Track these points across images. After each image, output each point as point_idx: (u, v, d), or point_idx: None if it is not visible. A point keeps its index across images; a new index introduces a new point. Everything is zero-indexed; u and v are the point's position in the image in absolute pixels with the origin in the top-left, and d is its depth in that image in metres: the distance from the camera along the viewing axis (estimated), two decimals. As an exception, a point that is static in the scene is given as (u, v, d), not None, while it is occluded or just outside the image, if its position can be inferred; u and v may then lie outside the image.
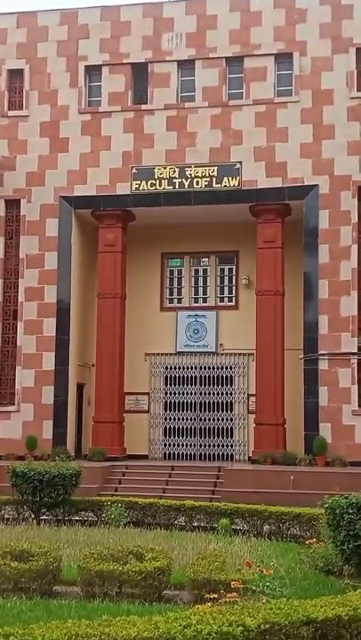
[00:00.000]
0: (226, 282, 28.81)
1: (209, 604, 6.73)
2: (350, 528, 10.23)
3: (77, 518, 17.40)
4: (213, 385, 27.94)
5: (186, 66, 27.25)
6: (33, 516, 17.51)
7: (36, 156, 27.44)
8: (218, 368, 28.01)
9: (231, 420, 27.75)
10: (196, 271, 29.06)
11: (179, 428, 27.98)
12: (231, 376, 27.94)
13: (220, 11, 26.99)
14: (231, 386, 27.89)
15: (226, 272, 28.81)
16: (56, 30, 27.89)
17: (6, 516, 17.54)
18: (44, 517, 17.45)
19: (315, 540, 12.34)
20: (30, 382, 26.68)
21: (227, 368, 27.99)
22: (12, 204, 27.63)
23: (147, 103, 27.23)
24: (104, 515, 16.82)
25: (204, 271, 28.97)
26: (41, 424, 26.33)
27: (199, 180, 26.27)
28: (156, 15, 27.42)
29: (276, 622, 5.53)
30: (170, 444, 27.91)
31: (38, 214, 27.28)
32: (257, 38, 26.65)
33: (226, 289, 28.80)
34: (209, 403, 27.87)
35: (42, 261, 27.16)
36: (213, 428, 27.75)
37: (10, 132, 27.69)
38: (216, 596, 7.50)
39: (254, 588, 8.16)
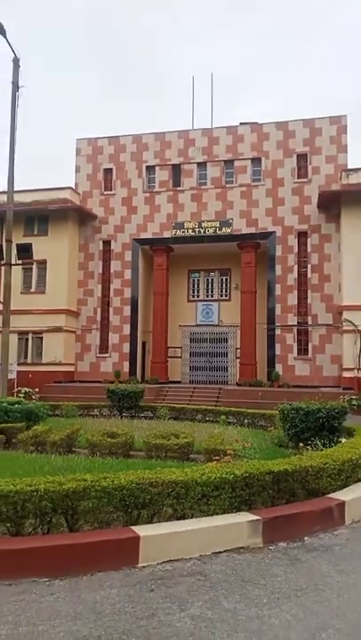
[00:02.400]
0: (223, 286, 28.66)
1: (215, 462, 6.78)
2: (292, 421, 10.23)
3: (142, 415, 17.59)
4: (216, 342, 27.88)
5: (201, 165, 26.98)
6: (118, 413, 17.77)
7: (119, 217, 27.43)
8: (219, 333, 27.94)
9: (227, 362, 27.68)
10: (207, 280, 28.91)
11: (197, 366, 27.96)
12: (227, 338, 27.85)
13: (221, 134, 26.70)
14: (227, 343, 27.81)
15: (223, 280, 28.65)
16: (130, 146, 27.76)
17: (104, 414, 17.85)
18: (125, 414, 17.69)
19: (273, 427, 12.39)
20: (117, 341, 26.86)
21: (224, 333, 27.89)
22: (107, 243, 27.65)
23: (180, 186, 27.02)
24: (157, 413, 17.01)
25: (211, 280, 28.83)
26: (122, 364, 26.53)
27: (209, 229, 26.12)
28: (185, 137, 27.17)
29: (251, 472, 5.58)
30: (193, 375, 27.90)
31: (121, 248, 27.32)
32: (241, 149, 26.36)
33: (223, 290, 28.64)
34: (214, 352, 27.81)
35: (123, 274, 27.22)
36: (217, 366, 27.71)
37: (105, 203, 27.68)
38: (218, 458, 7.54)
39: (240, 454, 8.20)
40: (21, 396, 20.42)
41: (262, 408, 16.62)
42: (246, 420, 15.38)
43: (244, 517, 5.15)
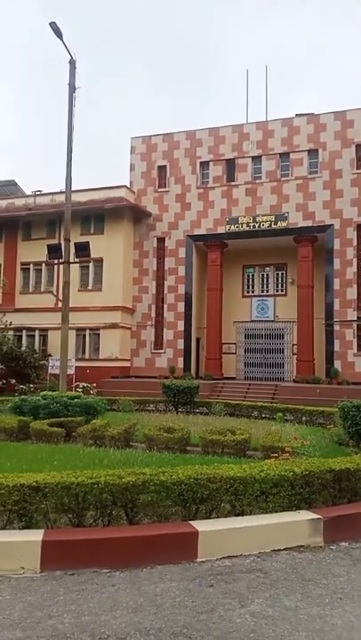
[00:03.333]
0: (279, 281, 28.21)
1: (273, 459, 6.70)
2: (353, 419, 9.99)
3: (198, 411, 17.60)
4: (273, 338, 27.48)
5: (256, 159, 26.64)
6: (174, 409, 17.85)
7: (173, 213, 27.56)
8: (275, 329, 27.53)
9: (283, 358, 27.24)
10: (262, 275, 28.55)
11: (252, 362, 27.69)
12: (283, 334, 27.42)
13: (276, 127, 26.27)
14: (283, 339, 27.39)
15: (279, 275, 28.19)
16: (183, 142, 27.82)
17: (160, 409, 17.97)
18: (180, 410, 17.74)
19: (332, 425, 12.13)
20: (171, 337, 27.06)
21: (280, 329, 27.47)
22: (161, 240, 27.88)
23: (234, 181, 26.80)
24: (212, 409, 16.99)
25: (267, 275, 28.45)
26: (177, 359, 26.70)
27: (264, 223, 25.80)
28: (239, 131, 26.93)
29: (311, 470, 5.49)
30: (248, 372, 27.66)
31: (175, 245, 27.46)
32: (297, 141, 25.82)
33: (279, 285, 28.19)
34: (270, 349, 27.44)
35: (177, 271, 27.35)
36: (273, 362, 27.32)
37: (159, 200, 27.89)
38: (277, 455, 7.46)
39: (298, 451, 8.08)
40: (80, 390, 20.95)
41: (321, 406, 16.25)
42: (304, 418, 15.11)
43: (305, 516, 5.07)
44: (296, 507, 5.29)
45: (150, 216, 27.82)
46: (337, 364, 23.96)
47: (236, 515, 5.14)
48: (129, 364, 27.34)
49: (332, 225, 24.77)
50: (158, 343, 27.41)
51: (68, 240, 16.95)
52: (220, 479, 5.10)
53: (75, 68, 16.78)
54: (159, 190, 27.98)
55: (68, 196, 17.09)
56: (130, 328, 27.56)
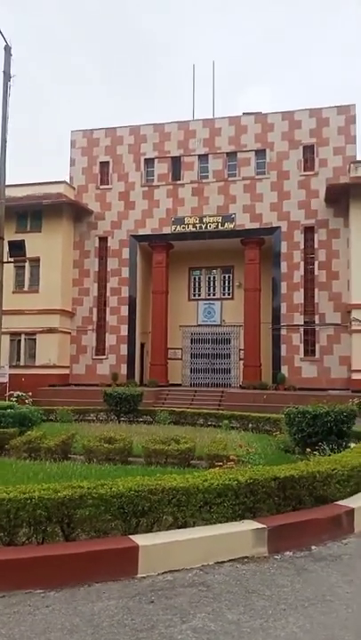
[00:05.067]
0: (226, 284, 28.69)
1: (217, 468, 6.78)
2: (299, 426, 10.23)
3: (141, 419, 17.54)
4: (219, 343, 27.94)
5: (203, 158, 27.01)
6: (116, 418, 17.70)
7: (116, 212, 27.47)
8: (221, 334, 27.97)
9: (229, 363, 27.73)
10: (209, 278, 28.95)
11: (199, 368, 28.01)
12: (229, 338, 27.89)
13: (223, 125, 26.76)
14: (229, 344, 27.86)
15: (226, 278, 28.68)
16: (127, 138, 27.80)
17: (100, 418, 17.74)
18: (122, 419, 17.60)
19: (278, 432, 12.39)
20: (114, 342, 26.91)
21: (227, 334, 27.93)
22: (103, 240, 27.71)
23: (180, 180, 27.04)
24: (156, 417, 16.96)
25: (213, 278, 28.87)
26: (120, 366, 26.57)
27: (211, 224, 26.16)
28: (185, 128, 27.22)
29: (256, 478, 5.59)
30: (194, 378, 27.96)
31: (118, 245, 27.37)
32: (245, 141, 26.39)
33: (226, 288, 28.66)
34: (216, 354, 27.87)
35: (120, 272, 27.26)
36: (219, 368, 27.78)
37: (101, 198, 27.72)
38: (221, 464, 7.54)
39: (243, 459, 8.21)
40: (14, 400, 20.40)
41: (267, 412, 16.59)
42: (250, 425, 15.36)
43: (249, 526, 5.16)
44: (240, 516, 5.37)
45: (92, 214, 27.58)
46: (284, 370, 24.58)
47: (179, 527, 5.16)
48: (68, 372, 26.93)
49: (279, 227, 25.43)
50: (100, 349, 27.17)
51: (1, 238, 16.51)
52: (162, 490, 5.12)
53: (10, 55, 16.42)
54: (101, 187, 27.80)
55: (2, 190, 16.65)
56: (69, 333, 27.17)
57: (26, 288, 26.63)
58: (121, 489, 5.01)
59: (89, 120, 66.15)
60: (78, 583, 4.31)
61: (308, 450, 9.21)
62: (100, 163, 28.02)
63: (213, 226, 26.13)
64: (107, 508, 4.91)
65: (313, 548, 5.28)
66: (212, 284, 28.86)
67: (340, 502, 6.08)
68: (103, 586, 4.31)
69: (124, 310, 27.00)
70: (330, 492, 6.13)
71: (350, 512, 5.80)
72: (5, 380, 21.75)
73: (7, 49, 16.38)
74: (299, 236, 25.28)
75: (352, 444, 9.65)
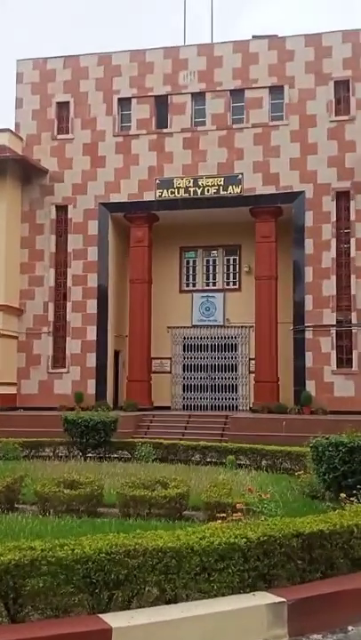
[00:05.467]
0: (231, 269, 28.76)
1: (219, 521, 6.77)
2: (330, 462, 10.25)
3: (115, 455, 17.48)
4: (221, 351, 27.99)
5: (198, 97, 27.06)
6: (81, 453, 17.61)
7: (80, 171, 27.43)
8: (225, 338, 28.04)
9: (236, 378, 27.81)
10: (207, 261, 29.01)
11: (194, 385, 28.07)
12: (236, 344, 27.95)
13: (225, 52, 26.79)
14: (236, 351, 27.92)
15: (231, 262, 28.76)
16: (95, 70, 27.77)
17: (60, 454, 17.71)
18: (90, 455, 17.53)
19: (302, 471, 12.38)
20: (77, 350, 26.87)
21: (232, 337, 28.00)
22: (61, 210, 27.67)
23: (167, 127, 27.05)
24: (136, 452, 16.88)
25: (214, 261, 28.92)
26: (86, 382, 26.54)
27: (209, 188, 26.19)
28: (174, 56, 27.24)
29: (272, 535, 5.61)
30: (187, 398, 28.01)
31: (82, 217, 27.32)
32: (255, 74, 26.44)
33: (231, 275, 28.74)
34: (218, 365, 27.93)
35: (85, 254, 27.22)
36: (222, 385, 27.84)
37: (59, 151, 27.67)
38: (225, 515, 7.52)
39: (255, 509, 8.20)
40: None
41: (288, 444, 16.54)
42: (265, 462, 15.35)
43: (262, 599, 5.16)
44: (251, 587, 5.37)
45: (46, 174, 27.51)
46: (310, 387, 24.62)
47: (167, 602, 5.16)
48: (14, 391, 26.85)
49: (302, 192, 25.48)
50: (59, 359, 27.09)
51: None
52: (144, 552, 5.11)
53: None
54: (59, 137, 27.73)
55: None
56: (16, 337, 27.10)
57: None
58: (87, 551, 4.99)
59: (44, 49, 65.90)
60: None
61: (343, 495, 9.21)
62: (58, 104, 27.93)
63: (213, 190, 26.15)
64: (68, 576, 4.89)
65: (350, 629, 5.30)
66: (211, 271, 28.86)
67: (386, 566, 6.11)
68: None
69: (92, 306, 26.93)
70: (372, 553, 6.15)
71: None
72: None
73: None
74: (329, 205, 25.34)
75: None
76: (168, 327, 28.23)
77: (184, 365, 28.36)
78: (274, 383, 25.34)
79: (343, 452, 10.07)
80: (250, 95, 26.52)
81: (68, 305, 27.24)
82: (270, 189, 25.82)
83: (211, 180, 26.21)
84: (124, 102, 27.65)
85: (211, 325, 28.12)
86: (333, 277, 25.12)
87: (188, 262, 29.12)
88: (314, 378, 24.81)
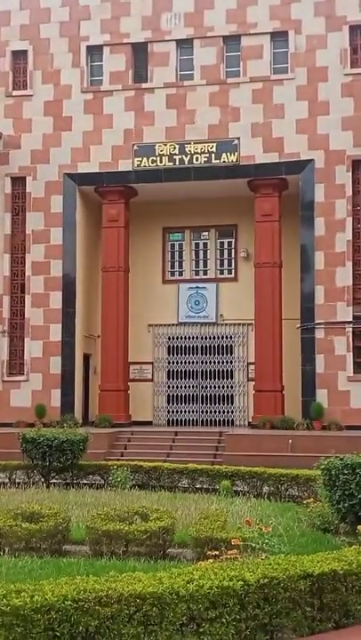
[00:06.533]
0: (225, 255, 28.82)
1: (211, 560, 6.80)
2: (346, 488, 10.30)
3: (85, 481, 17.47)
4: (214, 354, 28.05)
5: (184, 45, 27.04)
6: (43, 479, 17.60)
7: (41, 135, 27.34)
8: (218, 338, 28.10)
9: (232, 387, 27.88)
10: (197, 245, 29.05)
11: (181, 395, 28.11)
12: (231, 345, 28.02)
13: (217, -10, 26.77)
14: (231, 354, 27.99)
15: (225, 245, 28.81)
16: (58, 12, 27.67)
17: (17, 480, 17.66)
18: (54, 481, 17.52)
19: (312, 499, 12.44)
20: (38, 353, 26.79)
21: (227, 338, 28.07)
22: (18, 182, 27.57)
23: (147, 82, 27.05)
24: (111, 478, 16.87)
25: (205, 244, 28.96)
26: (49, 393, 26.47)
27: (198, 156, 26.18)
28: (155, -5, 27.22)
29: (274, 577, 5.63)
30: (173, 411, 28.06)
31: (43, 191, 27.23)
32: (253, 17, 26.43)
33: (225, 261, 28.81)
34: (210, 371, 27.98)
35: (47, 237, 27.15)
36: (215, 395, 27.89)
37: (15, 111, 27.56)
38: (217, 553, 7.57)
39: (254, 545, 8.23)
40: None
41: (294, 466, 16.66)
42: (266, 488, 15.43)
43: (263, 655, 5.18)
44: (249, 640, 5.40)
45: None
46: (321, 396, 24.69)
47: (148, 660, 5.17)
48: None
49: (311, 161, 25.51)
50: (15, 365, 27.04)
51: None
52: (119, 599, 5.11)
53: None
54: (15, 94, 27.64)
55: None
56: (-36, 338, 27.00)
57: None
58: (50, 598, 4.98)
59: None
60: None
61: (360, 528, 9.27)
62: (13, 53, 27.84)
63: (203, 159, 26.14)
64: (26, 629, 4.88)
65: None
66: (201, 256, 28.91)
67: None
68: None
69: (56, 300, 26.86)
70: (396, 597, 6.18)
71: None
72: None
73: None
74: (344, 176, 25.39)
75: None
76: (149, 325, 28.27)
77: (169, 371, 28.40)
78: (278, 393, 25.40)
79: (360, 477, 10.11)
80: (247, 43, 26.52)
81: (27, 298, 27.15)
82: (273, 157, 25.84)
83: (200, 145, 26.19)
84: (95, 51, 27.60)
85: (201, 323, 28.17)
86: (349, 264, 25.19)
87: (173, 246, 29.15)
88: (326, 386, 24.87)
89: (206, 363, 28.03)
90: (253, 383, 26.38)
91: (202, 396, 27.89)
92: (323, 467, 11.02)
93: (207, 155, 26.15)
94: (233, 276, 28.43)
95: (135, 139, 26.70)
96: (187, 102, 26.61)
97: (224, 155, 26.05)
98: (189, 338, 28.24)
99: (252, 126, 26.03)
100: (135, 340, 27.49)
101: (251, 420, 25.95)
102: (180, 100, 26.66)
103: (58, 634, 4.95)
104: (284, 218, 26.03)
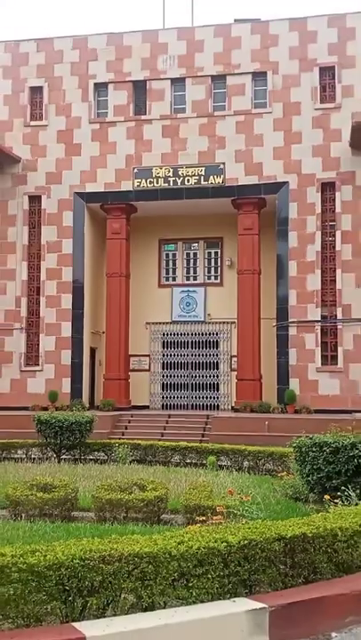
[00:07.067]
0: (212, 263, 28.83)
1: (199, 525, 6.79)
2: (314, 463, 10.32)
3: (91, 457, 17.48)
4: (202, 348, 28.08)
5: (178, 83, 27.03)
6: (55, 455, 17.60)
7: (54, 159, 27.30)
8: (206, 334, 28.12)
9: (217, 376, 27.92)
10: (188, 254, 29.04)
11: (174, 383, 28.13)
12: (217, 340, 28.04)
13: (206, 36, 26.76)
14: (217, 348, 28.01)
15: (212, 255, 28.82)
16: (69, 53, 27.62)
17: (33, 456, 17.69)
18: (64, 457, 17.54)
19: (285, 473, 12.46)
20: (51, 347, 26.75)
21: (213, 334, 28.09)
22: (35, 200, 27.51)
23: (145, 114, 27.01)
24: (113, 454, 16.95)
25: (194, 254, 28.96)
26: (61, 381, 26.44)
27: (190, 178, 26.19)
28: (153, 40, 27.15)
29: (253, 539, 5.61)
30: (167, 397, 28.07)
31: (56, 208, 27.19)
32: (237, 59, 26.46)
33: (212, 269, 28.81)
34: (199, 362, 28.01)
35: (59, 247, 27.10)
36: (203, 383, 27.93)
37: (32, 139, 27.51)
38: (204, 518, 7.57)
39: (236, 511, 8.24)
40: None
41: (271, 444, 16.65)
42: (246, 463, 15.46)
43: (243, 606, 5.16)
44: (231, 593, 5.37)
45: (18, 162, 27.33)
46: (294, 384, 24.75)
47: (144, 609, 5.14)
48: (-15, 389, 26.70)
49: (286, 183, 25.56)
50: (32, 357, 26.98)
51: None
52: (120, 558, 5.09)
53: None
54: (32, 124, 27.57)
55: None
56: (-13, 333, 26.93)
57: None
58: (60, 557, 4.96)
59: (15, 31, 65.43)
60: None
61: (327, 497, 9.27)
62: (31, 89, 27.75)
63: (193, 180, 26.15)
64: (40, 584, 4.86)
65: (334, 635, 5.31)
66: (192, 264, 28.89)
67: (371, 570, 6.15)
68: None
69: (67, 301, 26.84)
70: (357, 557, 6.18)
71: (385, 584, 5.87)
72: None
73: None
74: (314, 196, 25.44)
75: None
76: (147, 323, 28.24)
77: (163, 363, 28.40)
78: (256, 381, 25.45)
79: (327, 453, 10.13)
80: (232, 81, 26.55)
81: (42, 300, 27.11)
82: (253, 180, 25.86)
83: (191, 169, 26.21)
84: (101, 88, 27.56)
85: (191, 321, 28.17)
86: (318, 271, 25.24)
87: (167, 255, 29.13)
88: (298, 376, 24.94)
89: (196, 355, 28.04)
90: (236, 373, 26.40)
91: (192, 384, 27.91)
92: (295, 445, 11.04)
93: (197, 177, 26.15)
94: (219, 281, 28.43)
95: (135, 163, 26.68)
96: (180, 132, 26.61)
97: (211, 177, 26.05)
98: (181, 334, 28.24)
99: (236, 153, 26.04)
100: (135, 336, 27.49)
101: (233, 405, 25.98)
102: (174, 130, 26.65)
103: (67, 587, 4.93)
104: (263, 231, 26.06)
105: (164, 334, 28.44)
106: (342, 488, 9.53)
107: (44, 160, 27.37)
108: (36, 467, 15.31)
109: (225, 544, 5.45)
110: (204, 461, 15.68)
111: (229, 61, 26.53)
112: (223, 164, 26.07)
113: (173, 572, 5.22)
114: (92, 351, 27.86)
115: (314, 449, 10.35)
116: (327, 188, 25.51)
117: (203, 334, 28.11)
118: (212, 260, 28.78)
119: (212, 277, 28.69)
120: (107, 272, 27.23)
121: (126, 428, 23.39)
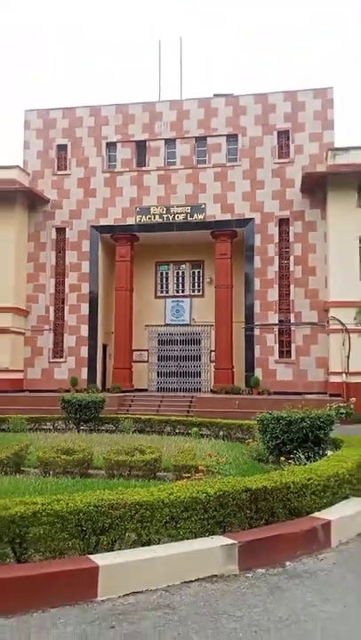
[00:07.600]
0: (196, 280, 28.85)
1: (185, 480, 6.80)
2: (273, 432, 10.33)
3: (103, 428, 17.49)
4: (188, 344, 28.06)
5: (170, 142, 27.07)
6: (75, 427, 17.60)
7: (75, 200, 27.28)
8: (191, 334, 28.12)
9: (200, 366, 27.92)
10: (177, 273, 29.06)
11: (166, 371, 28.11)
12: (200, 339, 28.06)
13: (192, 107, 26.86)
14: (200, 345, 28.02)
15: (196, 274, 28.85)
16: (87, 120, 27.63)
17: (58, 427, 17.66)
18: (82, 428, 17.53)
19: (251, 440, 12.49)
20: (73, 343, 26.71)
21: (197, 334, 28.09)
22: (60, 231, 27.47)
23: (145, 166, 27.04)
24: (120, 426, 16.96)
25: (182, 273, 28.99)
26: (80, 370, 26.39)
27: (179, 215, 26.23)
28: (151, 110, 27.22)
29: (226, 490, 5.63)
30: (161, 382, 28.03)
31: (77, 237, 27.17)
32: (215, 125, 26.56)
33: (196, 284, 28.83)
34: (186, 356, 28.01)
35: (80, 267, 27.07)
36: (189, 371, 27.91)
37: (58, 184, 27.47)
38: (189, 475, 7.58)
39: (213, 470, 8.26)
40: None
41: (240, 418, 16.72)
42: (222, 432, 15.46)
43: (218, 542, 5.19)
44: (210, 532, 5.40)
45: (48, 202, 27.29)
46: (258, 373, 24.83)
47: (143, 544, 5.16)
48: (22, 376, 26.60)
49: (252, 219, 25.66)
50: (58, 351, 26.93)
51: None
52: (124, 505, 5.11)
53: None
54: (58, 173, 27.55)
55: None
56: (23, 333, 26.82)
57: (-26, 284, 26.18)
58: (79, 504, 4.98)
59: (45, 100, 65.33)
60: (32, 609, 4.26)
61: (283, 459, 9.32)
62: (58, 146, 27.75)
63: (182, 216, 26.20)
64: (63, 525, 4.87)
65: (287, 564, 5.34)
66: (180, 280, 28.93)
67: (315, 515, 6.15)
68: (59, 611, 4.26)
69: (85, 309, 26.81)
70: (305, 504, 6.20)
71: (327, 525, 5.88)
72: None
73: None
74: (273, 229, 25.55)
75: (329, 452, 9.79)
76: (146, 325, 28.22)
77: (158, 356, 28.38)
78: (230, 370, 25.48)
79: (283, 425, 10.15)
80: (211, 141, 26.61)
81: (66, 308, 27.06)
82: (227, 216, 25.93)
83: (180, 208, 26.25)
84: (111, 146, 27.56)
85: (180, 324, 28.18)
86: (276, 286, 25.35)
87: (161, 274, 29.14)
88: (261, 366, 25.01)
89: (183, 350, 28.03)
90: (214, 363, 26.43)
91: (180, 372, 27.90)
92: (258, 418, 11.05)
93: (184, 214, 26.20)
94: (201, 294, 28.47)
95: (137, 203, 26.69)
96: (171, 180, 26.64)
97: (195, 214, 26.11)
98: (172, 334, 28.23)
99: (214, 196, 26.10)
100: (137, 335, 27.48)
101: (212, 388, 26.00)
102: (167, 179, 26.68)
103: (84, 528, 4.95)
104: (235, 256, 26.14)
105: (159, 334, 28.43)
106: (294, 452, 9.58)
107: (68, 201, 27.34)
108: (61, 435, 15.30)
109: (205, 494, 5.47)
110: (190, 431, 15.69)
111: (209, 126, 26.61)
112: (204, 204, 26.12)
113: (165, 516, 5.24)
114: (104, 347, 27.82)
115: (273, 422, 10.37)
116: (283, 223, 25.61)
117: (188, 334, 28.11)
118: (196, 278, 28.82)
119: (196, 291, 28.72)
120: (115, 286, 27.20)
121: (130, 406, 23.38)
